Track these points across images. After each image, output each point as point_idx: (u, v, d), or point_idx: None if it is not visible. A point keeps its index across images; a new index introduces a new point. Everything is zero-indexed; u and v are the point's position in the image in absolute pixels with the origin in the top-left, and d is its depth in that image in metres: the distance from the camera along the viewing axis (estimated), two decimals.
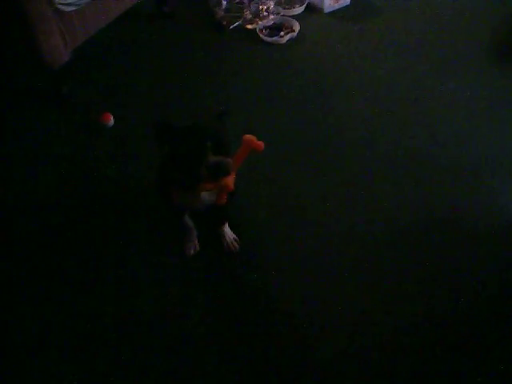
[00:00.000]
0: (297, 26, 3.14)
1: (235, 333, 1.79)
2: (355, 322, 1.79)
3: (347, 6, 3.35)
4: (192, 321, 1.82)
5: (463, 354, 1.70)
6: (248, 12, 3.23)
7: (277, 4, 3.27)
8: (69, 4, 2.39)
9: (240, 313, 1.85)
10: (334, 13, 3.30)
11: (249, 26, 3.21)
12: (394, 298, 1.85)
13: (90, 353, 1.75)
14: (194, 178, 1.57)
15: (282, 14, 3.24)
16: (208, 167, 1.52)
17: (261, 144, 1.69)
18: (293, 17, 3.23)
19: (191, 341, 1.77)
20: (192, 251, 2.00)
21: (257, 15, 3.22)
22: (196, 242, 2.02)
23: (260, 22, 3.19)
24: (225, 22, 3.22)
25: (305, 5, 3.31)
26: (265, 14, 3.21)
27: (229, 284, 1.93)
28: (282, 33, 3.13)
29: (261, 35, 3.10)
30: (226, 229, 2.03)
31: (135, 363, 1.72)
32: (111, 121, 2.53)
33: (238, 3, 3.27)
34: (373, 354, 1.71)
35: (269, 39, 3.09)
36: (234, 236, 2.03)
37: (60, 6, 2.35)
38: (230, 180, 1.62)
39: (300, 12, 3.30)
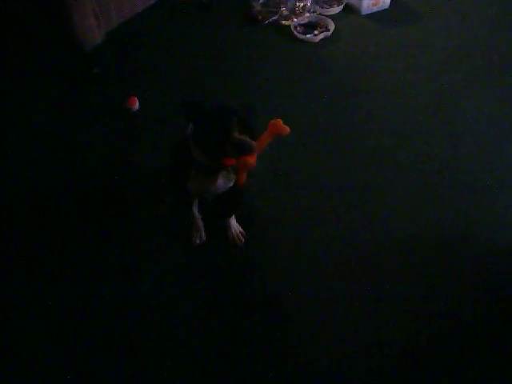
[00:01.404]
0: (332, 26, 3.11)
1: (235, 325, 1.81)
2: (354, 328, 1.78)
3: (386, 9, 3.29)
4: (193, 309, 1.84)
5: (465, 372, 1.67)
6: (284, 8, 3.22)
7: (314, 2, 3.25)
8: None
9: (241, 305, 1.86)
10: (371, 15, 3.26)
11: (284, 22, 3.20)
12: (396, 311, 1.82)
13: (88, 340, 1.79)
14: (218, 152, 1.59)
15: (318, 12, 3.23)
16: (232, 143, 1.55)
17: (286, 128, 1.66)
18: (329, 16, 3.21)
19: (191, 329, 1.79)
20: (198, 241, 2.03)
21: (293, 12, 3.21)
22: (202, 232, 2.04)
23: (295, 19, 3.18)
24: (260, 17, 3.22)
25: (343, 5, 3.28)
26: (301, 11, 3.19)
27: (232, 276, 1.94)
28: (316, 31, 3.10)
29: (295, 32, 3.09)
30: (233, 221, 2.04)
31: (134, 351, 1.75)
32: (136, 105, 2.58)
33: None
34: (365, 360, 1.70)
35: (302, 36, 3.07)
36: (241, 229, 2.04)
37: None
38: (252, 159, 1.61)
39: (337, 12, 3.27)
